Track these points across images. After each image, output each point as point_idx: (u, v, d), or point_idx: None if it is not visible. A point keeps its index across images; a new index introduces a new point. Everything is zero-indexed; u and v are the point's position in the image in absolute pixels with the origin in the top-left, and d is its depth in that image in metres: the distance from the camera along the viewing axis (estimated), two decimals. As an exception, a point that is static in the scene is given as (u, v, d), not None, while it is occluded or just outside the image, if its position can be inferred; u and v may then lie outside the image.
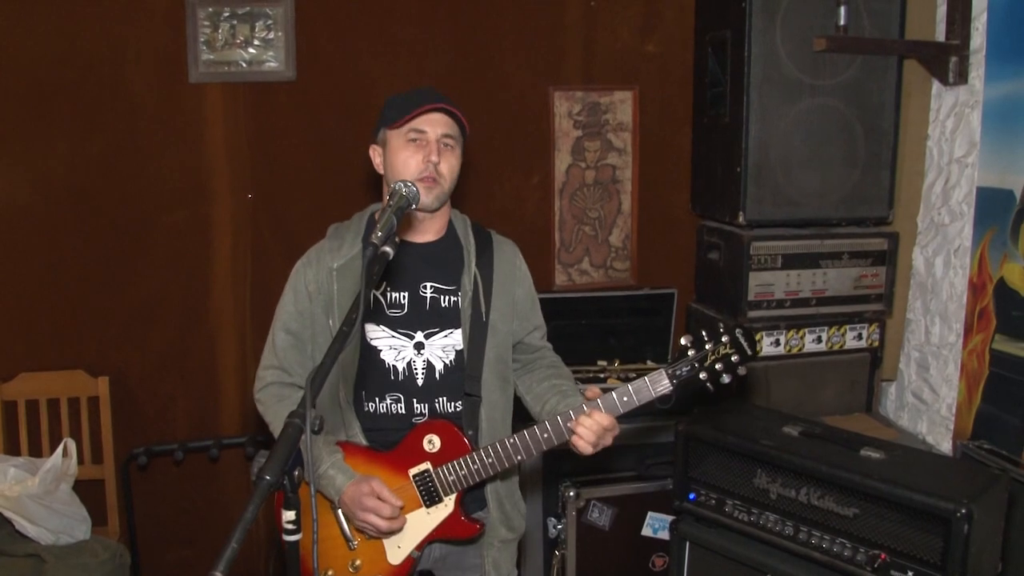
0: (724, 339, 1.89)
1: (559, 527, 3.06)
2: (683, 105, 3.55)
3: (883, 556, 2.17)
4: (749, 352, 1.89)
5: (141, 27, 3.14)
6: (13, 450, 3.15)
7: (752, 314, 3.08)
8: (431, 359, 2.12)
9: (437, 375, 2.12)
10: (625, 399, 1.95)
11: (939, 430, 3.05)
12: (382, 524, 2.00)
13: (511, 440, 2.00)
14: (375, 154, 2.16)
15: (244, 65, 3.24)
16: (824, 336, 3.16)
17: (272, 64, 3.25)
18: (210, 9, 3.18)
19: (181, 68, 3.19)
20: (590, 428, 1.94)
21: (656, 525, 3.08)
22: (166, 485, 3.39)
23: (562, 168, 3.56)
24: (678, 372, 1.92)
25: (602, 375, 3.21)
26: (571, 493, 2.97)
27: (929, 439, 3.08)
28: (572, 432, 1.96)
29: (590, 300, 3.47)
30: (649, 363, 3.35)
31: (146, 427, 3.33)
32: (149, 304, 3.29)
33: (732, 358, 1.89)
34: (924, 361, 3.15)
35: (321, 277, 2.11)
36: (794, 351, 3.14)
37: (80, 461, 3.12)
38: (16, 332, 3.20)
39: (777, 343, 3.11)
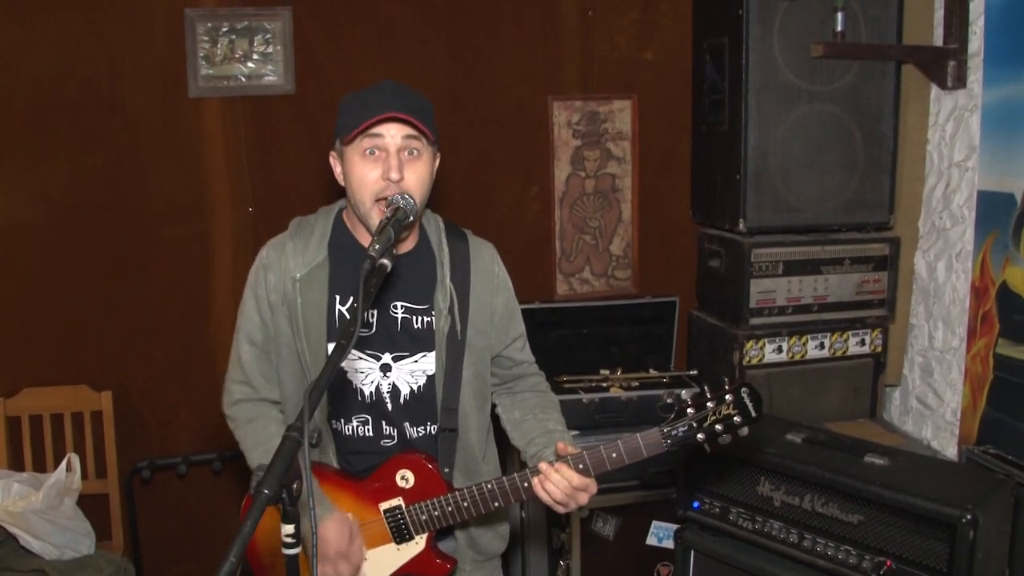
0: (728, 398, 1.75)
1: (563, 537, 3.05)
2: (682, 113, 3.56)
3: (888, 563, 2.16)
4: (754, 414, 1.75)
5: (140, 43, 3.16)
6: (17, 465, 3.15)
7: (754, 321, 3.08)
8: (397, 383, 2.01)
9: (402, 399, 2.02)
10: (614, 455, 1.82)
11: (944, 435, 3.04)
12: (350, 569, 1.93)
13: (489, 486, 1.91)
14: (334, 163, 1.99)
15: (243, 79, 3.25)
16: (827, 342, 3.15)
17: (271, 78, 3.27)
18: (209, 24, 3.19)
19: (181, 83, 3.20)
20: (557, 485, 1.82)
21: (660, 534, 3.07)
22: (170, 499, 3.39)
23: (562, 178, 3.56)
24: (674, 433, 1.79)
25: (604, 384, 3.20)
26: (575, 503, 2.96)
27: (934, 444, 3.07)
28: (541, 487, 1.85)
29: (591, 309, 3.47)
30: (652, 372, 3.34)
31: (149, 441, 3.33)
32: (151, 318, 3.29)
33: (734, 419, 1.75)
34: (928, 366, 3.14)
35: (284, 286, 1.96)
36: (796, 358, 3.13)
37: (84, 476, 3.12)
38: (19, 348, 3.21)
39: (779, 350, 3.11)
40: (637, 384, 3.21)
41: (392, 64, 3.34)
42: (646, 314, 3.48)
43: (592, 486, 1.86)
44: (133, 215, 3.24)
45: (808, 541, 2.32)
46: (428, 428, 2.04)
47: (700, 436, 1.78)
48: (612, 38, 3.54)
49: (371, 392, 2.01)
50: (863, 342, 3.19)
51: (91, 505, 3.09)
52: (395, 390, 2.01)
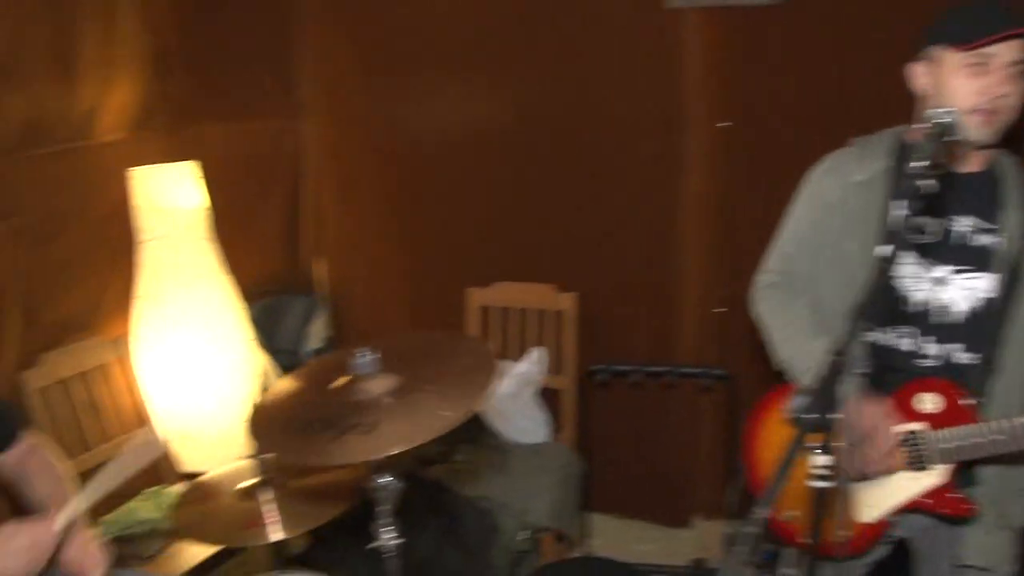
0: None
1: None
2: None
3: None
4: None
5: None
6: (485, 351, 3.46)
7: None
8: (951, 300, 1.89)
9: (952, 318, 1.90)
10: None
11: None
12: (878, 452, 1.85)
13: None
14: (919, 72, 1.88)
15: (726, -10, 3.11)
16: None
17: (760, -13, 3.08)
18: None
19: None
20: None
21: None
22: (621, 404, 3.46)
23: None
24: None
25: None
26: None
27: None
28: None
29: None
30: None
31: (607, 346, 3.40)
32: (617, 227, 3.37)
33: None
34: None
35: (842, 188, 1.97)
36: None
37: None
38: (497, 245, 3.51)
39: None
40: None
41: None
42: None
43: None
44: (604, 126, 3.31)
45: None
46: (974, 356, 1.90)
47: None
48: None
49: (919, 301, 1.93)
50: None
51: (546, 398, 3.32)
52: (946, 307, 1.91)
